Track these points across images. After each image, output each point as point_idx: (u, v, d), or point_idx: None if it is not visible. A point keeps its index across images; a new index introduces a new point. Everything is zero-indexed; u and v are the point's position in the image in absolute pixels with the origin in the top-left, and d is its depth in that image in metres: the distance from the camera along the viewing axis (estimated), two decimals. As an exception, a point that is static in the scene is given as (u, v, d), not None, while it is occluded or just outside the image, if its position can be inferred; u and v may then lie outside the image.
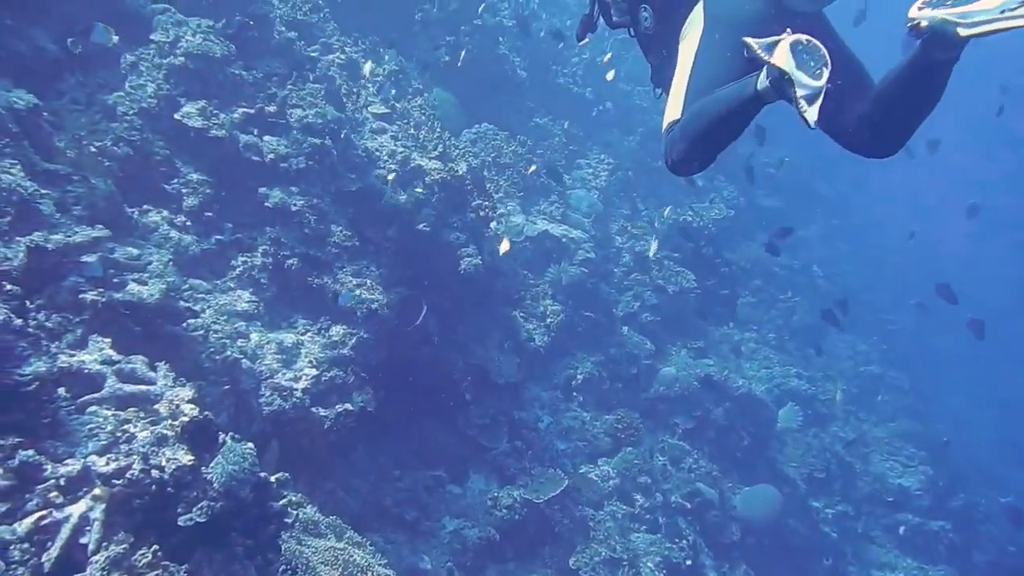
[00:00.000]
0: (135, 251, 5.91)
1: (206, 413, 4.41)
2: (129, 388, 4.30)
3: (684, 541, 9.00)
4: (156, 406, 4.31)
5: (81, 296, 4.70)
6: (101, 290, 4.83)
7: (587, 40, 3.87)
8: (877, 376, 15.55)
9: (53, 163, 5.83)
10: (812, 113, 2.09)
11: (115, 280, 5.22)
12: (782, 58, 2.12)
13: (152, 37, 6.82)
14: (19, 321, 3.88)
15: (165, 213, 6.52)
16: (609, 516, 8.69)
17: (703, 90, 2.44)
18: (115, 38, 6.28)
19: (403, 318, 7.47)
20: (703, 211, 12.10)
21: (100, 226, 5.27)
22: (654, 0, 2.92)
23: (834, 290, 15.34)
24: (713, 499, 9.77)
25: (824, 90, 2.10)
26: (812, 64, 2.11)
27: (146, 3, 7.11)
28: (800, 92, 2.09)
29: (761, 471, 10.98)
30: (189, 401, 4.42)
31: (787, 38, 2.15)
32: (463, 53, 10.63)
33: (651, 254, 10.13)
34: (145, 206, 6.49)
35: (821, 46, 2.14)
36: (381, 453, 7.57)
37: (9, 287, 3.96)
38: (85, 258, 4.94)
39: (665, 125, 2.62)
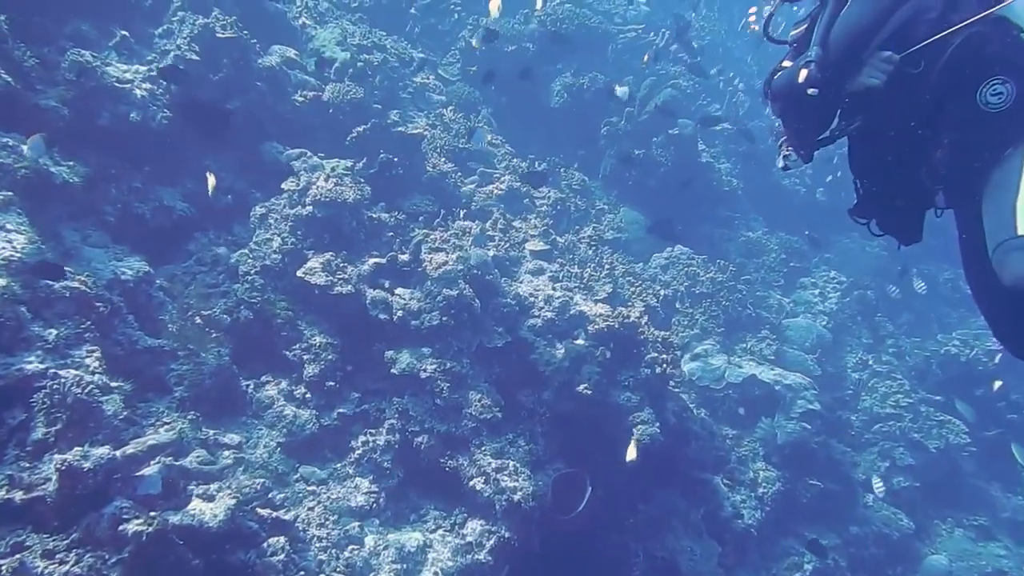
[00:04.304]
0: (236, 438, 5.08)
1: None
2: None
3: None
4: None
5: (122, 528, 3.79)
6: (151, 515, 3.91)
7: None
8: None
9: (158, 338, 5.25)
10: None
11: (187, 488, 4.33)
12: None
13: (283, 185, 6.24)
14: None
15: (283, 385, 5.71)
16: None
17: None
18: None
19: (562, 502, 5.95)
20: (973, 340, 9.28)
21: (171, 427, 4.44)
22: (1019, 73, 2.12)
23: None
24: None
25: None
26: None
27: (283, 149, 6.62)
28: None
29: None
30: None
31: None
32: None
33: (876, 489, 7.76)
34: (264, 377, 5.74)
35: None
36: None
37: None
38: (144, 471, 4.09)
39: None
